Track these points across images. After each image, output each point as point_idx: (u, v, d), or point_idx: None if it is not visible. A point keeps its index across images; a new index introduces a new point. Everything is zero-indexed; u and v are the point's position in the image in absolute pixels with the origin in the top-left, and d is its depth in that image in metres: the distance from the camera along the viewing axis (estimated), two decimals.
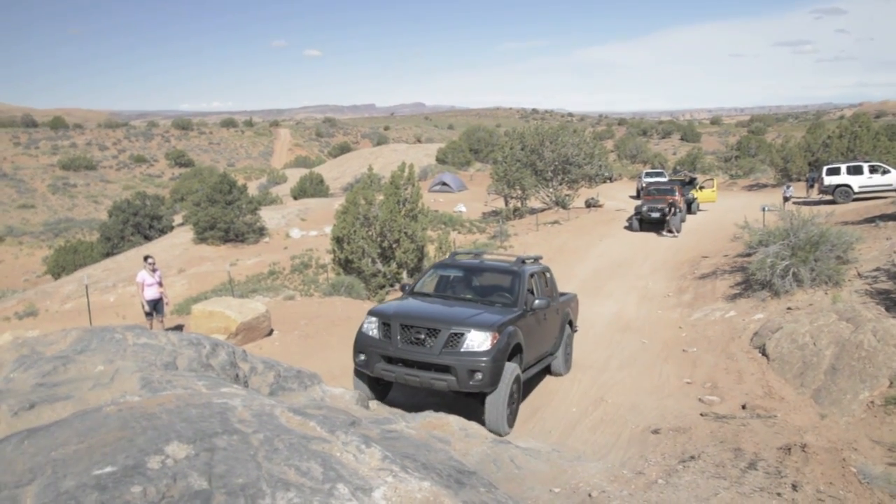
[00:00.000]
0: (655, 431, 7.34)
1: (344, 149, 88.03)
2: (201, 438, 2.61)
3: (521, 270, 8.35)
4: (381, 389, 7.85)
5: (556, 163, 31.18)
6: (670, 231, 22.71)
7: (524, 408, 8.25)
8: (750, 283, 12.84)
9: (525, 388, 8.34)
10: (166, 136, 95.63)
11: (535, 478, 5.41)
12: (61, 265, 31.24)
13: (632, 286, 15.79)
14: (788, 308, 11.07)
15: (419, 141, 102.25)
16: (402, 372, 6.88)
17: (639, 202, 25.97)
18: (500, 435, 6.52)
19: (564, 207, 30.45)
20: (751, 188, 38.53)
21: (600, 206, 31.34)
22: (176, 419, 2.88)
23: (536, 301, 7.91)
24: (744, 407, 7.83)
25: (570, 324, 9.95)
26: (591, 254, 20.33)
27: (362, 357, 7.19)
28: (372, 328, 7.22)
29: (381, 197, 18.34)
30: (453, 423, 6.41)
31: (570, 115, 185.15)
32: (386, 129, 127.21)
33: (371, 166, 21.68)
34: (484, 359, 6.58)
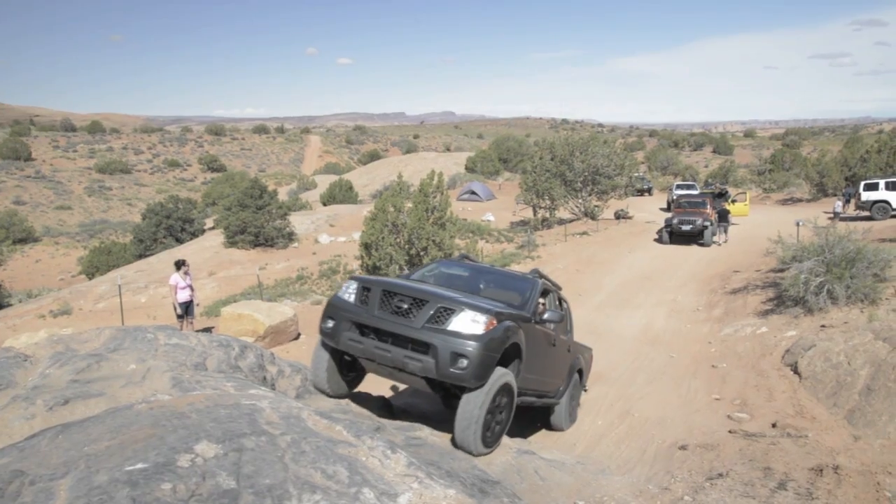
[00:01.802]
0: (682, 447, 7.23)
1: (373, 156, 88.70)
2: (230, 439, 2.65)
3: (535, 279, 7.14)
4: (347, 378, 6.20)
5: (586, 173, 30.99)
6: (714, 242, 22.74)
7: (546, 416, 8.17)
8: (782, 300, 12.59)
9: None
10: (200, 141, 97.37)
11: (559, 490, 5.36)
12: (95, 265, 31.91)
13: (661, 299, 15.60)
14: (822, 326, 10.83)
15: (448, 149, 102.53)
16: (372, 345, 5.28)
17: (669, 214, 25.68)
18: (471, 453, 5.24)
19: (593, 218, 30.23)
20: (784, 202, 37.85)
21: (630, 217, 31.05)
22: (205, 419, 2.92)
23: (548, 313, 6.49)
24: (774, 425, 7.66)
25: (580, 374, 8.64)
26: (619, 265, 20.14)
27: (330, 323, 5.57)
28: (349, 292, 5.70)
29: (409, 204, 18.42)
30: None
31: (601, 125, 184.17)
32: (415, 137, 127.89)
33: (400, 174, 21.80)
34: (473, 343, 5.00)
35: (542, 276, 7.40)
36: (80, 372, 3.95)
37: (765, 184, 45.87)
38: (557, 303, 7.72)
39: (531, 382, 6.52)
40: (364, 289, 5.61)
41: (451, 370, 4.97)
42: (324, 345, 5.91)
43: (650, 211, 34.20)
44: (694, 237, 22.94)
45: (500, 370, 5.32)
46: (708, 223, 22.95)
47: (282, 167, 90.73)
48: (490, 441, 5.44)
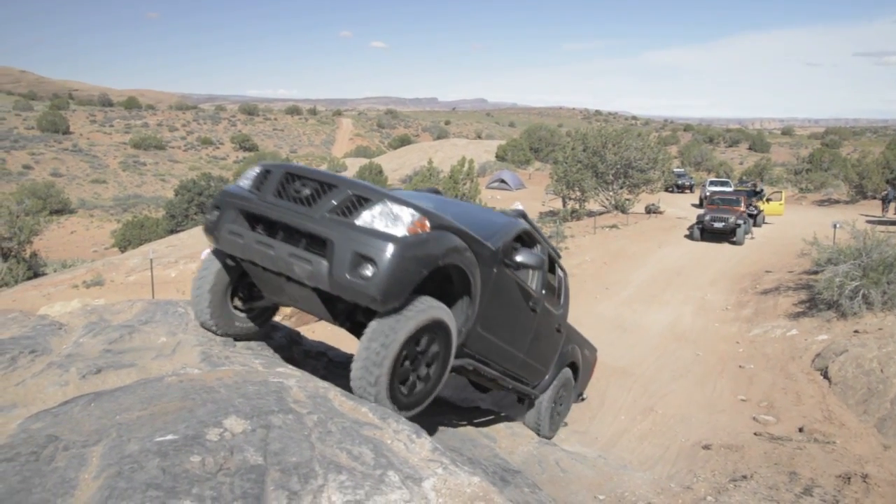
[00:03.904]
0: (706, 447, 7.15)
1: (404, 141, 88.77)
2: (258, 415, 2.67)
3: (515, 219, 5.36)
4: (243, 307, 4.60)
5: (618, 166, 30.64)
6: (743, 237, 22.42)
7: (570, 409, 8.10)
8: (815, 302, 12.34)
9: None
10: (233, 120, 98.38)
11: (580, 483, 5.34)
12: (128, 239, 32.53)
13: (689, 296, 15.39)
14: (855, 331, 10.59)
15: (480, 137, 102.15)
16: (253, 239, 3.80)
17: (701, 211, 25.29)
18: (372, 401, 3.51)
19: (623, 212, 29.92)
20: (821, 203, 37.00)
21: (661, 212, 30.66)
22: (234, 394, 2.95)
23: (522, 254, 4.76)
24: (801, 430, 7.54)
25: (575, 372, 7.01)
26: (648, 260, 19.91)
27: (214, 214, 4.09)
28: (246, 179, 4.21)
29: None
30: (500, 420, 6.40)
31: (634, 118, 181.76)
32: (447, 123, 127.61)
33: (430, 160, 21.79)
34: (388, 245, 3.42)
35: (527, 220, 5.57)
36: (113, 342, 4.02)
37: (801, 183, 44.94)
38: (547, 261, 5.75)
39: (493, 350, 4.88)
40: (265, 172, 4.15)
41: (350, 278, 3.39)
42: (215, 253, 4.39)
43: (682, 206, 33.74)
44: (726, 235, 22.59)
45: (429, 300, 3.75)
46: (741, 221, 22.57)
47: (313, 149, 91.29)
48: (405, 401, 3.75)
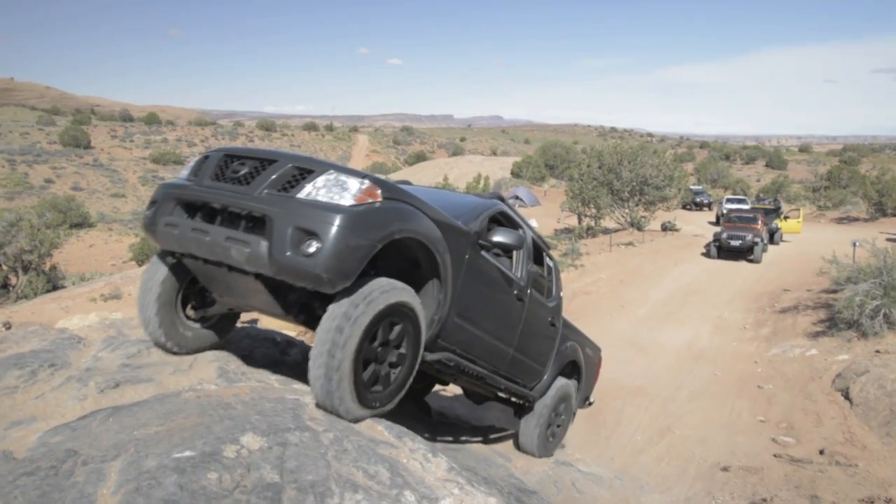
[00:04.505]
0: (724, 469, 7.05)
1: (420, 157, 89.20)
2: (274, 432, 2.67)
3: (492, 201, 4.87)
4: (196, 316, 4.13)
5: (634, 183, 30.54)
6: (760, 255, 22.14)
7: (585, 428, 8.01)
8: (835, 322, 12.16)
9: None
10: (251, 135, 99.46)
11: None
12: (146, 253, 32.80)
13: (706, 315, 15.25)
14: (877, 351, 10.41)
15: (495, 154, 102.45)
16: (189, 227, 3.42)
17: (718, 229, 25.12)
18: (337, 413, 3.20)
19: (639, 229, 29.77)
20: (840, 221, 36.61)
21: (677, 230, 30.48)
22: (251, 411, 2.96)
23: (499, 234, 4.28)
24: (822, 452, 7.40)
25: (578, 373, 6.40)
26: (665, 278, 19.77)
27: (151, 208, 3.69)
28: (186, 168, 3.87)
29: None
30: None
31: (650, 135, 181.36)
32: (462, 140, 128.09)
33: (446, 176, 21.87)
34: (333, 216, 3.04)
35: (504, 201, 5.09)
36: (131, 357, 4.05)
37: (820, 201, 44.49)
38: (531, 247, 5.33)
39: (476, 343, 4.38)
40: (204, 157, 3.84)
41: (291, 256, 3.00)
42: (160, 256, 3.93)
43: (698, 224, 33.53)
44: (743, 253, 22.40)
45: (390, 281, 3.35)
46: (758, 239, 22.39)
47: None
48: (373, 399, 3.35)
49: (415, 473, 2.79)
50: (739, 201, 34.82)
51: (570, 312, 13.13)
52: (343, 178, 3.27)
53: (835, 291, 13.45)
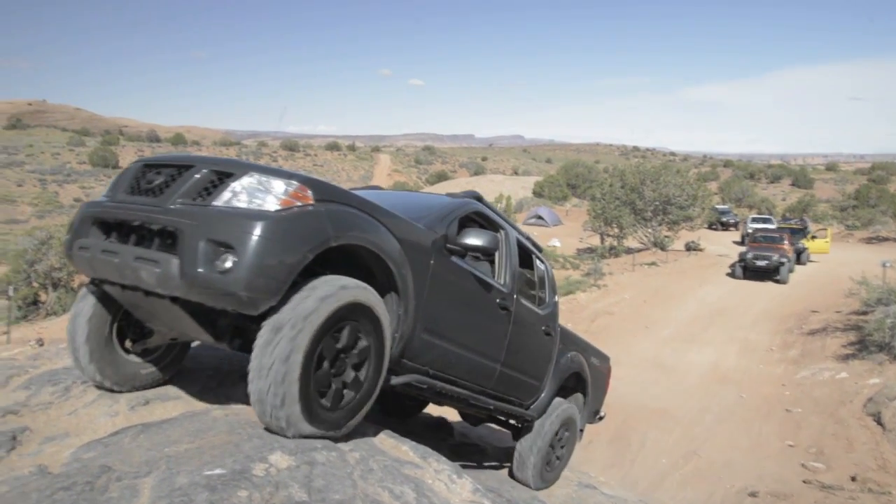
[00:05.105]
0: (752, 494, 6.92)
1: (441, 177, 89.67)
2: (302, 451, 2.70)
3: (462, 200, 4.31)
4: (136, 350, 3.64)
5: (657, 203, 30.39)
6: (787, 276, 21.87)
7: (609, 450, 7.92)
8: (865, 344, 11.93)
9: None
10: (274, 155, 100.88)
11: None
12: None
13: (731, 336, 15.05)
14: None
15: (516, 173, 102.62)
16: (99, 248, 3.01)
17: (743, 248, 24.85)
18: (284, 434, 2.79)
19: (663, 249, 29.56)
20: (869, 241, 35.97)
21: (701, 249, 30.20)
22: None
23: (470, 236, 3.74)
24: (853, 479, 7.24)
25: (583, 386, 5.79)
26: (689, 299, 19.57)
27: (69, 233, 3.28)
28: (108, 186, 3.47)
29: None
30: None
31: (673, 154, 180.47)
32: (484, 159, 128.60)
33: None
34: (251, 224, 2.65)
35: (482, 201, 4.57)
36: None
37: (848, 220, 43.84)
38: (519, 252, 4.82)
39: (453, 361, 3.85)
40: (124, 171, 3.39)
41: (205, 274, 2.60)
42: (89, 288, 3.48)
43: (723, 244, 33.18)
44: (769, 273, 22.12)
45: (343, 279, 2.92)
46: (785, 259, 22.10)
47: (352, 184, 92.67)
48: (330, 418, 2.93)
49: (440, 494, 2.80)
50: (765, 221, 34.43)
51: (592, 333, 13.04)
52: (266, 179, 2.86)
53: (865, 313, 13.21)
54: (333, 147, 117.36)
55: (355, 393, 3.04)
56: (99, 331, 3.42)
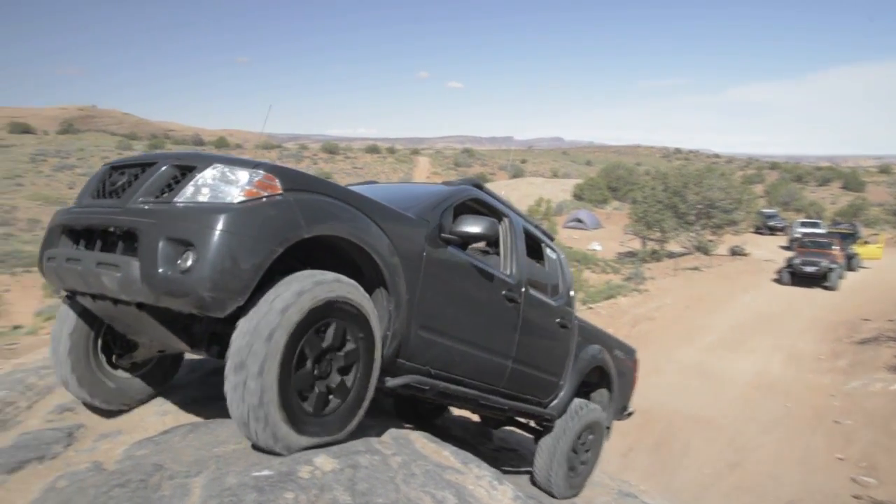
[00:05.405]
0: None
1: (481, 179, 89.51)
2: (346, 455, 2.74)
3: (458, 187, 4.02)
4: (120, 364, 3.48)
5: (700, 206, 29.82)
6: (837, 282, 21.26)
7: (651, 458, 7.79)
8: None
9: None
10: (315, 158, 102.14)
11: None
12: None
13: (778, 344, 14.67)
14: None
15: (556, 175, 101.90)
16: (65, 257, 2.89)
17: (791, 254, 24.23)
18: (271, 449, 2.61)
19: (706, 253, 28.98)
20: None
21: (746, 254, 29.52)
22: None
23: (465, 223, 3.53)
24: None
25: (608, 381, 5.45)
26: (733, 305, 19.15)
27: (42, 243, 3.17)
28: None
29: None
30: None
31: (717, 156, 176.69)
32: (523, 161, 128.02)
33: (507, 198, 21.88)
34: (211, 218, 2.47)
35: (482, 188, 4.27)
36: (209, 375, 4.22)
37: None
38: (527, 240, 4.55)
39: (456, 360, 3.62)
40: (93, 176, 3.26)
41: (165, 275, 2.42)
42: (66, 302, 3.33)
43: (769, 249, 32.39)
44: (818, 280, 21.51)
45: (325, 273, 2.73)
46: (834, 265, 21.47)
47: None
48: (314, 423, 2.73)
49: (481, 500, 2.81)
50: (813, 225, 33.50)
51: (633, 338, 12.86)
52: (230, 170, 2.66)
53: None
54: (373, 150, 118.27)
55: (342, 397, 2.85)
56: (82, 348, 3.26)
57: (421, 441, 3.43)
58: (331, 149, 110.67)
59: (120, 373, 3.46)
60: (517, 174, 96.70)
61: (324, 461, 2.63)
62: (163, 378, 3.69)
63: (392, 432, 3.41)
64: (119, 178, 2.94)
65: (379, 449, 3.00)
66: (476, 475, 3.13)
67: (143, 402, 3.56)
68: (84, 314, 3.25)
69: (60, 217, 3.09)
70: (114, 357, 3.44)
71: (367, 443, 3.04)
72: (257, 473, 2.42)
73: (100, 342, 3.36)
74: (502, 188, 62.85)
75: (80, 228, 2.92)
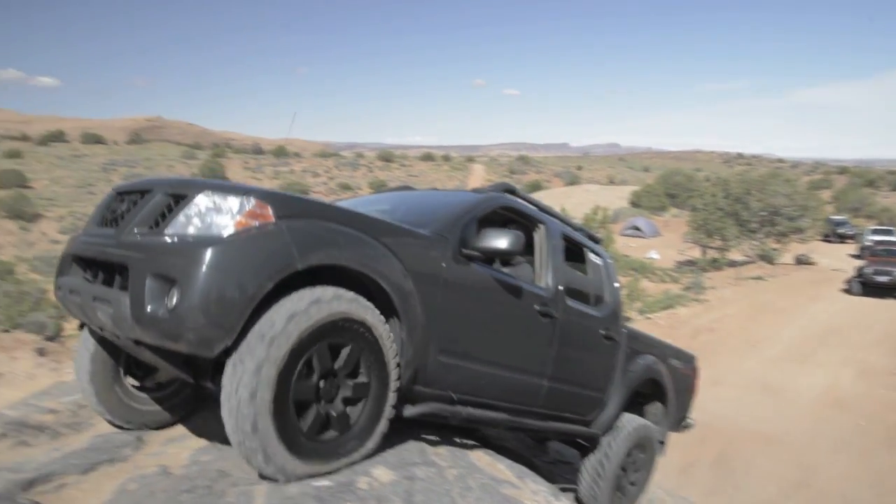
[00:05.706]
0: None
1: (536, 187, 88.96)
2: (403, 466, 2.77)
3: (486, 194, 3.84)
4: (144, 386, 3.44)
5: (763, 213, 28.87)
6: None
7: (712, 475, 7.56)
8: None
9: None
10: (370, 166, 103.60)
11: None
12: None
13: (848, 358, 14.03)
14: None
15: (612, 182, 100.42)
16: (68, 288, 2.89)
17: (861, 263, 23.19)
18: (272, 477, 2.48)
19: (770, 262, 28.02)
20: None
21: (813, 263, 28.40)
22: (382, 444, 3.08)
23: (488, 237, 3.23)
24: None
25: (662, 392, 5.09)
26: (799, 316, 18.43)
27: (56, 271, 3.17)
28: None
29: None
30: None
31: (781, 160, 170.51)
32: (578, 168, 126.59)
33: (563, 206, 21.72)
34: (196, 253, 2.35)
35: (515, 192, 4.09)
36: None
37: None
38: (556, 246, 4.07)
39: (479, 383, 3.38)
40: (102, 200, 3.17)
41: (154, 314, 2.32)
42: (85, 328, 3.25)
43: (837, 257, 31.08)
44: (891, 290, 20.52)
45: (333, 290, 2.58)
46: None
47: None
48: (314, 448, 2.57)
49: None
50: (886, 233, 31.98)
51: (693, 350, 12.52)
52: (221, 198, 2.52)
53: None
54: (428, 157, 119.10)
55: (344, 426, 2.66)
56: (104, 371, 3.23)
57: (476, 453, 3.43)
58: (386, 157, 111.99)
59: (142, 394, 3.41)
60: (573, 181, 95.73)
61: (381, 472, 2.67)
62: (185, 401, 3.56)
63: (447, 443, 3.42)
64: (119, 205, 2.91)
65: (435, 461, 3.02)
66: (532, 490, 3.11)
67: (166, 424, 3.50)
68: (101, 339, 3.20)
69: (72, 245, 3.06)
70: (135, 377, 3.41)
71: (423, 454, 3.06)
72: (318, 483, 2.47)
73: (123, 363, 3.33)
74: (558, 196, 62.33)
75: (86, 258, 2.90)
